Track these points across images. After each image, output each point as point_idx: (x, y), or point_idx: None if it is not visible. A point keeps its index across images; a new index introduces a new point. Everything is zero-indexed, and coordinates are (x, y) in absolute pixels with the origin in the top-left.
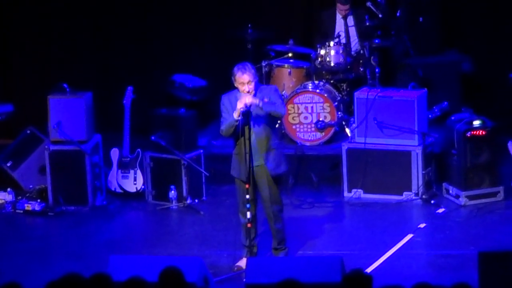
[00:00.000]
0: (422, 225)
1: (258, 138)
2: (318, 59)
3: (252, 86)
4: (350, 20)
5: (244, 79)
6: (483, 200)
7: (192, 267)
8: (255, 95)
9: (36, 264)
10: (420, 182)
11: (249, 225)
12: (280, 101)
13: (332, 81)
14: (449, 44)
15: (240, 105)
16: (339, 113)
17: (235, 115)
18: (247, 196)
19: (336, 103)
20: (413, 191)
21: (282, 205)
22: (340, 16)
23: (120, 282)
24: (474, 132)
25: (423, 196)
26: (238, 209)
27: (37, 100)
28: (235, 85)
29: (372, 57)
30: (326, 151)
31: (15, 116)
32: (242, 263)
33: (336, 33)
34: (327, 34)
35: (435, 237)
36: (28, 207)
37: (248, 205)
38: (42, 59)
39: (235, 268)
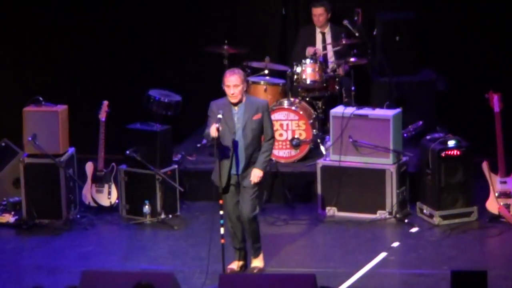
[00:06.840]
0: (395, 244)
1: (245, 148)
2: (294, 76)
3: (237, 90)
4: (328, 38)
5: (230, 81)
6: (457, 220)
7: (164, 282)
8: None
9: (8, 277)
10: (394, 201)
11: (222, 240)
12: (269, 125)
13: (307, 99)
14: (425, 63)
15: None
16: (314, 130)
17: (213, 133)
18: (221, 212)
19: (311, 121)
20: (387, 210)
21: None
22: (319, 31)
23: None
24: (449, 152)
25: (397, 215)
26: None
27: (12, 113)
28: (223, 88)
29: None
30: (301, 168)
31: None
32: (233, 265)
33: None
34: (305, 51)
35: (408, 256)
36: (1, 219)
37: (221, 221)
38: (18, 71)
39: (228, 271)
